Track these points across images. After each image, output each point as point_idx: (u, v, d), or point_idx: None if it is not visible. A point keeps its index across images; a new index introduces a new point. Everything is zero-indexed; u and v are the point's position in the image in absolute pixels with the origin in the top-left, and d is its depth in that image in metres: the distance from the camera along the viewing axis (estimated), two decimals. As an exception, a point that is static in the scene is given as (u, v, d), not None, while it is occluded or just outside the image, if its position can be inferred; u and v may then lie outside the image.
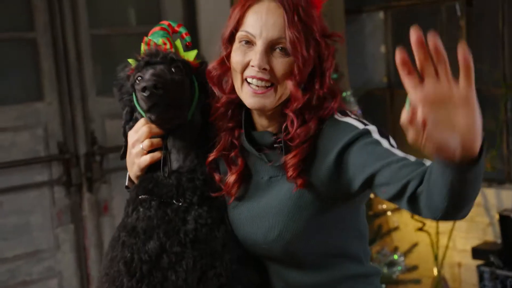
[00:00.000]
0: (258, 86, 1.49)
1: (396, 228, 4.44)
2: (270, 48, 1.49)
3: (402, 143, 4.22)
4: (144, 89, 1.52)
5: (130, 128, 1.73)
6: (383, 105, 4.82)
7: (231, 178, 1.61)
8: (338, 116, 1.53)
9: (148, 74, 1.58)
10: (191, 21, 4.11)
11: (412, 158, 1.37)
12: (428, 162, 1.31)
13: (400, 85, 4.20)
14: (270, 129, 1.59)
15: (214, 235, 1.62)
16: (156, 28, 1.72)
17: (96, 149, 3.78)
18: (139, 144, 1.65)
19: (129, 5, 4.11)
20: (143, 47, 1.68)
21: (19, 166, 3.60)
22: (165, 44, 1.67)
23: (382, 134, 1.46)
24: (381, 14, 4.86)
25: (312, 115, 1.52)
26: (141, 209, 1.64)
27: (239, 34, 1.53)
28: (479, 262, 4.07)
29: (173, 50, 1.68)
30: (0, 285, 3.53)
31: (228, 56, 1.56)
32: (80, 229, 3.79)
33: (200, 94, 1.66)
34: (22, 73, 3.69)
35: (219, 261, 1.60)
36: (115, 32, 3.97)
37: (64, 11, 3.67)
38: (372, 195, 4.19)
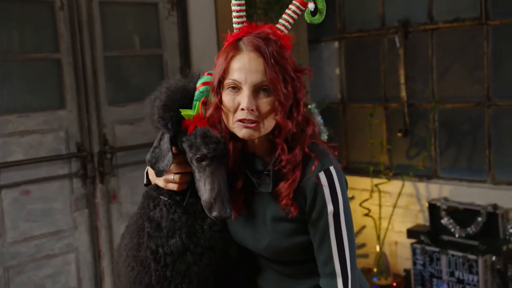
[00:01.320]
0: (247, 123, 1.47)
1: (347, 214, 4.52)
2: (255, 91, 1.46)
3: (353, 144, 4.37)
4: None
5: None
6: (337, 115, 4.86)
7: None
8: (322, 172, 1.50)
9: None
10: (185, 45, 4.14)
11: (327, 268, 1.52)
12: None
13: (350, 100, 4.49)
14: (256, 152, 1.56)
15: (223, 237, 1.65)
16: (207, 83, 1.58)
17: (107, 149, 3.77)
18: (171, 175, 1.62)
19: (135, 33, 4.09)
20: (199, 107, 1.56)
21: (45, 161, 3.57)
22: None
23: (335, 216, 1.50)
24: (336, 44, 4.91)
25: (296, 142, 1.51)
26: (164, 209, 1.63)
27: (227, 82, 1.49)
28: (412, 240, 4.14)
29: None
30: (29, 257, 3.53)
31: (220, 100, 1.51)
32: (93, 214, 3.78)
33: None
34: (49, 87, 3.65)
35: (227, 258, 1.66)
36: (123, 54, 3.96)
37: (83, 37, 3.68)
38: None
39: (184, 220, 1.61)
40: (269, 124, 1.49)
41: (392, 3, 4.53)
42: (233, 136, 1.55)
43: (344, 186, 1.54)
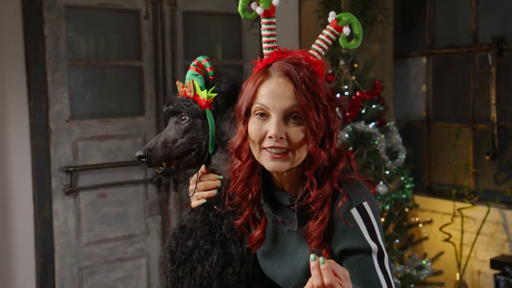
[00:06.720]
0: (276, 152, 1.36)
1: (426, 238, 4.32)
2: (284, 118, 1.36)
3: (437, 165, 4.06)
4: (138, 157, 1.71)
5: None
6: (421, 134, 4.63)
7: (256, 233, 1.51)
8: (354, 209, 1.37)
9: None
10: (265, 57, 4.16)
11: None
12: None
13: (436, 119, 4.20)
14: (286, 188, 1.47)
15: (239, 240, 1.60)
16: (191, 67, 1.63)
17: (183, 157, 3.83)
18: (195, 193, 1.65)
19: (217, 43, 4.13)
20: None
21: (122, 166, 3.65)
22: (188, 86, 1.61)
23: (379, 255, 1.36)
24: (424, 59, 4.70)
25: (326, 176, 1.40)
26: (191, 213, 1.67)
27: (254, 107, 1.39)
28: (496, 271, 3.87)
29: (192, 91, 1.61)
30: (102, 259, 3.61)
31: (246, 130, 1.42)
32: (165, 220, 3.82)
33: (217, 122, 1.60)
34: (130, 93, 3.73)
35: (240, 262, 1.59)
36: (204, 64, 4.02)
37: (165, 47, 3.73)
38: (406, 209, 4.14)
39: (202, 219, 1.63)
40: (300, 155, 1.38)
41: (486, 18, 4.27)
42: (256, 170, 1.47)
43: (380, 223, 1.41)
